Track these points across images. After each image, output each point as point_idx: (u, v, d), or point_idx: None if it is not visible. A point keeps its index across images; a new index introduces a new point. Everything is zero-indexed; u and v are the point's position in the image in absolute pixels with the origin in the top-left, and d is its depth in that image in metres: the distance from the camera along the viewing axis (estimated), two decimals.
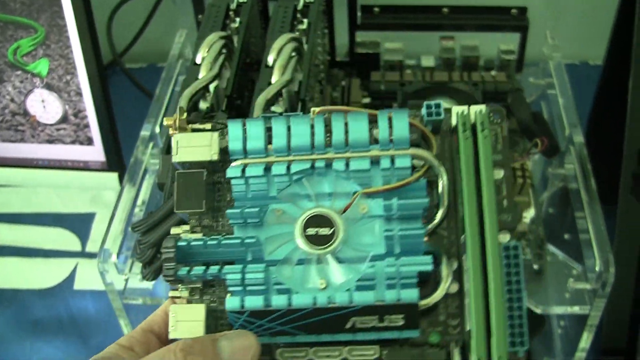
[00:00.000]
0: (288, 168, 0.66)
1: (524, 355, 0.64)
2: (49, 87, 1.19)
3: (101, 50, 1.17)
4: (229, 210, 0.66)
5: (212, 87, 0.88)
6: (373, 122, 0.67)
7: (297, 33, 0.94)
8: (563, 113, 1.03)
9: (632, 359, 1.02)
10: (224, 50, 0.91)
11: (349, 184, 0.66)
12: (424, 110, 0.68)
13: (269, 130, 0.68)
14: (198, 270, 0.65)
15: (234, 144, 0.67)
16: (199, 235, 0.67)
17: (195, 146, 0.68)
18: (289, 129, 0.67)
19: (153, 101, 1.09)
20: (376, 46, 1.18)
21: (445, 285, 0.65)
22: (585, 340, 0.92)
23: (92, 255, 1.25)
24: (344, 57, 1.22)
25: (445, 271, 0.66)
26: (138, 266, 0.86)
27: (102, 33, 1.37)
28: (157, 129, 1.05)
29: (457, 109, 0.68)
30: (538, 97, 1.16)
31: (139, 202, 0.98)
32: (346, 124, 0.67)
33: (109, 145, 1.21)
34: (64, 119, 1.21)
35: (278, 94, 0.85)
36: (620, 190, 0.99)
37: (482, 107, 0.68)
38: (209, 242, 0.65)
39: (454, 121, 0.68)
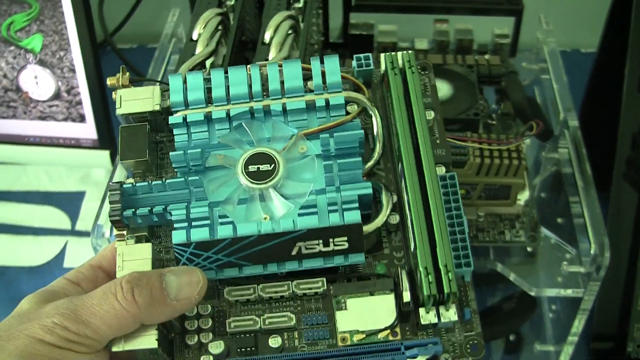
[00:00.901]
0: (228, 113, 0.68)
1: (470, 281, 0.66)
2: (42, 63, 1.18)
3: None
4: (172, 153, 0.67)
5: (208, 63, 0.87)
6: (308, 78, 0.70)
7: (294, 11, 0.94)
8: (557, 97, 1.03)
9: (622, 344, 1.02)
10: (220, 27, 0.91)
11: (287, 127, 0.69)
12: (354, 63, 0.71)
13: (208, 83, 0.69)
14: (143, 210, 0.66)
15: (175, 96, 0.69)
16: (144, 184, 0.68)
17: (138, 99, 0.69)
18: (226, 79, 0.69)
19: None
20: (370, 28, 1.18)
21: (386, 211, 0.67)
22: (578, 325, 0.93)
23: (81, 234, 1.25)
24: (337, 38, 1.22)
25: (385, 200, 0.67)
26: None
27: (94, 12, 1.36)
28: None
29: (384, 55, 0.71)
30: (531, 82, 1.16)
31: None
32: (280, 72, 0.69)
33: (101, 123, 1.21)
34: (56, 96, 1.20)
35: None
36: (613, 176, 1.00)
37: (408, 51, 0.71)
38: (153, 183, 0.66)
39: (383, 66, 0.71)
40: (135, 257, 0.65)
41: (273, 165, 0.66)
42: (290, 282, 0.66)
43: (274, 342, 0.66)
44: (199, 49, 0.87)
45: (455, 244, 0.63)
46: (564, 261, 0.92)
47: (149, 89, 0.70)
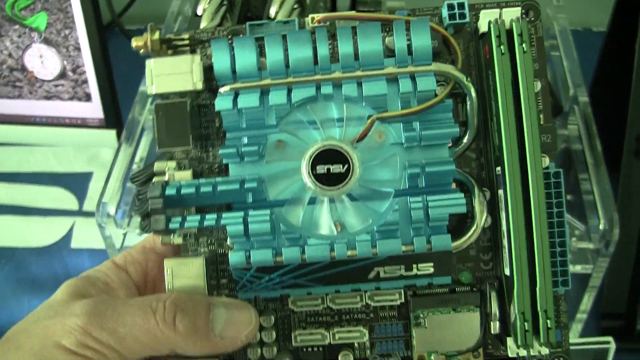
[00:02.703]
0: (289, 94, 0.58)
1: (564, 292, 0.58)
2: (47, 41, 1.18)
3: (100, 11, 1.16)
4: (221, 150, 0.58)
5: None
6: (386, 29, 0.59)
7: None
8: (567, 74, 1.02)
9: (632, 323, 1.01)
10: (225, 2, 0.90)
11: (361, 107, 0.58)
12: (444, 12, 0.59)
13: (260, 47, 0.59)
14: (192, 220, 0.57)
15: (220, 66, 0.58)
16: (188, 173, 0.60)
17: (174, 73, 0.58)
18: (285, 42, 0.58)
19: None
20: (378, 4, 1.17)
21: (481, 223, 0.59)
22: (587, 302, 0.92)
23: (89, 214, 1.25)
24: None
25: (478, 207, 0.59)
26: (136, 222, 0.85)
27: None
28: None
29: (486, 15, 0.58)
30: None
31: (137, 159, 0.97)
32: (354, 35, 0.57)
33: (107, 101, 1.20)
34: (62, 75, 1.20)
35: None
36: (624, 153, 0.99)
37: (517, 13, 0.57)
38: (202, 190, 0.57)
39: (483, 27, 0.58)
40: (186, 273, 0.59)
41: (346, 165, 0.56)
42: (363, 293, 0.60)
43: (345, 357, 0.61)
44: (203, 24, 0.87)
45: (554, 259, 0.55)
46: (573, 237, 0.91)
47: (187, 60, 0.58)
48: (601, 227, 0.84)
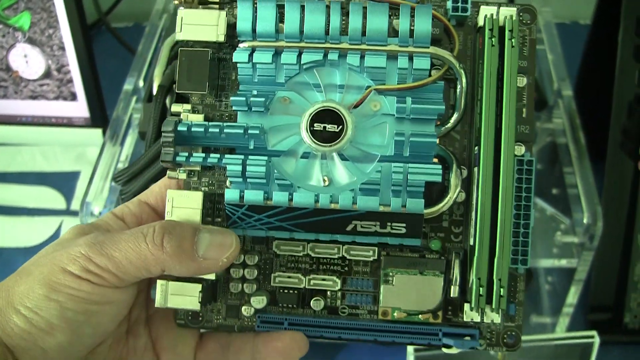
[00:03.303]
0: (299, 57, 0.64)
1: (523, 272, 0.64)
2: (31, 41, 1.17)
3: (86, 10, 1.16)
4: (233, 98, 0.63)
5: None
6: (394, 13, 0.64)
7: None
8: (552, 67, 1.02)
9: (620, 316, 1.01)
10: None
11: (362, 78, 0.64)
12: (449, 4, 0.64)
13: (281, 12, 0.64)
14: (197, 157, 0.63)
15: (243, 24, 0.64)
16: (200, 117, 0.65)
17: (201, 24, 0.64)
18: (302, 11, 0.64)
19: (136, 56, 1.07)
20: None
21: (453, 196, 0.64)
22: (573, 295, 0.92)
23: (77, 214, 1.24)
24: None
25: (454, 181, 0.64)
26: None
27: None
28: (141, 83, 1.03)
29: (486, 11, 0.63)
30: None
31: (123, 157, 0.97)
32: (365, 13, 0.63)
33: (92, 100, 1.20)
34: (47, 74, 1.19)
35: None
36: (609, 144, 0.99)
37: (512, 12, 0.63)
38: (210, 130, 0.63)
39: (480, 21, 0.64)
40: (185, 204, 0.64)
41: (340, 126, 0.62)
42: (340, 246, 0.65)
43: (317, 304, 0.66)
44: None
45: (516, 238, 0.61)
46: (558, 232, 0.91)
47: (214, 14, 0.64)
48: (585, 221, 0.84)
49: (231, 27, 0.65)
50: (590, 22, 1.16)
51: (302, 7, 0.63)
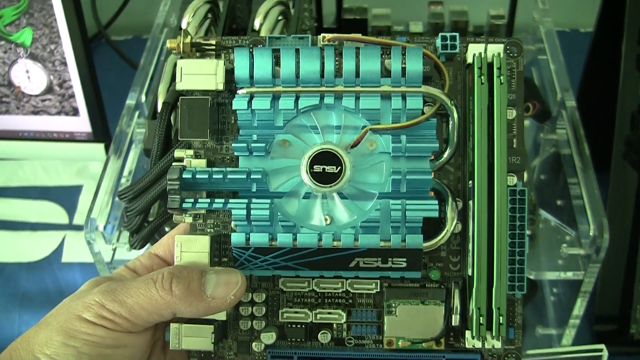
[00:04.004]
0: (296, 101, 0.66)
1: (520, 297, 0.66)
2: (33, 57, 1.17)
3: (86, 23, 1.16)
4: (234, 144, 0.66)
5: None
6: (385, 52, 0.66)
7: None
8: (555, 78, 1.02)
9: (626, 326, 1.01)
10: (209, 15, 0.90)
11: (357, 118, 0.66)
12: (438, 42, 0.67)
13: (276, 56, 0.66)
14: (203, 202, 0.66)
15: (240, 72, 0.66)
16: (203, 162, 0.68)
17: (200, 74, 0.67)
18: (297, 55, 0.66)
19: (138, 70, 1.07)
20: (364, 12, 1.16)
21: (450, 228, 0.66)
22: (579, 307, 0.92)
23: (79, 228, 1.24)
24: (332, 24, 1.20)
25: (450, 214, 0.66)
26: (125, 237, 0.85)
27: (87, 5, 1.35)
28: (143, 98, 1.03)
29: (474, 48, 0.66)
30: (528, 63, 1.15)
31: (126, 172, 0.97)
32: (357, 55, 0.65)
33: (94, 115, 1.20)
34: (48, 90, 1.19)
35: None
36: (613, 155, 0.99)
37: (499, 49, 0.66)
38: (214, 176, 0.66)
39: (469, 59, 0.66)
40: (193, 249, 0.67)
41: (339, 167, 0.64)
42: (344, 281, 0.68)
43: (323, 337, 0.69)
44: None
45: (512, 266, 0.63)
46: (563, 243, 0.91)
47: (212, 63, 0.67)
48: (591, 233, 0.84)
49: (229, 72, 0.67)
50: (591, 29, 1.16)
51: (297, 51, 0.66)
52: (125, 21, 1.52)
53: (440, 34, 0.67)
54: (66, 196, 1.29)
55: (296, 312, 0.69)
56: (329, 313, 0.69)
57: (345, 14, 1.17)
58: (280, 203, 0.66)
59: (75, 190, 1.30)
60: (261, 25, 0.86)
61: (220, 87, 0.66)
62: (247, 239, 0.65)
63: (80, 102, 1.19)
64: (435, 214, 0.64)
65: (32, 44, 1.16)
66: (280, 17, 0.88)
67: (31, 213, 1.27)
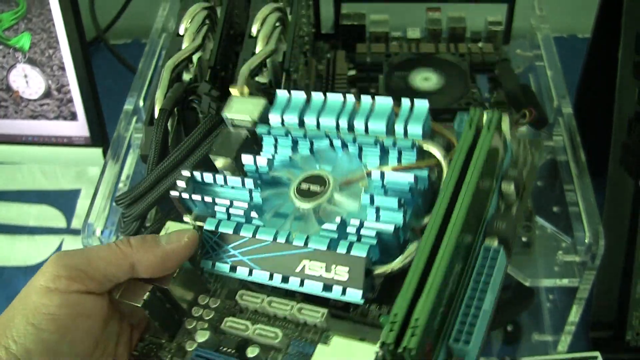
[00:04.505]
0: (311, 143, 0.71)
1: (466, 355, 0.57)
2: (31, 61, 1.18)
3: (84, 27, 1.16)
4: (246, 165, 0.71)
5: (195, 58, 0.86)
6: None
7: (281, 3, 0.93)
8: (551, 84, 1.02)
9: (622, 333, 1.01)
10: (207, 21, 0.90)
11: (357, 161, 0.70)
12: (456, 125, 0.69)
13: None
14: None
15: (275, 112, 0.71)
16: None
17: (245, 106, 0.73)
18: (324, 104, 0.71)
19: (136, 75, 1.07)
20: (362, 18, 1.17)
21: (404, 258, 0.63)
22: (575, 314, 0.92)
23: (77, 232, 1.24)
24: (330, 30, 1.21)
25: (411, 247, 0.63)
26: None
27: (85, 9, 1.36)
28: (141, 103, 1.03)
29: (472, 108, 0.66)
30: (525, 69, 1.15)
31: (123, 177, 0.97)
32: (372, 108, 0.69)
33: (92, 120, 1.20)
34: (47, 94, 1.20)
35: (262, 64, 0.84)
36: (610, 161, 0.99)
37: (499, 111, 0.66)
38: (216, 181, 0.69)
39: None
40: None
41: (322, 187, 0.68)
42: (294, 304, 0.66)
43: (252, 351, 0.65)
44: (185, 44, 0.87)
45: (465, 317, 0.57)
46: (559, 250, 0.91)
47: (257, 101, 0.73)
48: (587, 240, 0.84)
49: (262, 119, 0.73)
50: (588, 35, 1.16)
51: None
52: (124, 25, 1.53)
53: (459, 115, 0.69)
54: (64, 200, 1.29)
55: (238, 323, 0.68)
56: (267, 330, 0.66)
57: (343, 20, 1.17)
58: (265, 214, 0.70)
59: (74, 194, 1.30)
60: (258, 31, 0.86)
61: (255, 117, 0.72)
62: (217, 226, 0.68)
63: (78, 106, 1.19)
64: (390, 230, 0.62)
65: (30, 48, 1.17)
66: (277, 24, 0.88)
67: (29, 217, 1.27)
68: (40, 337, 0.59)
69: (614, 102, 0.99)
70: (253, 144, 0.73)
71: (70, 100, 1.19)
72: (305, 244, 0.65)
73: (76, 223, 1.26)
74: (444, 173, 0.65)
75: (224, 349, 0.67)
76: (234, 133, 0.73)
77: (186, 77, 0.86)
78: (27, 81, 1.19)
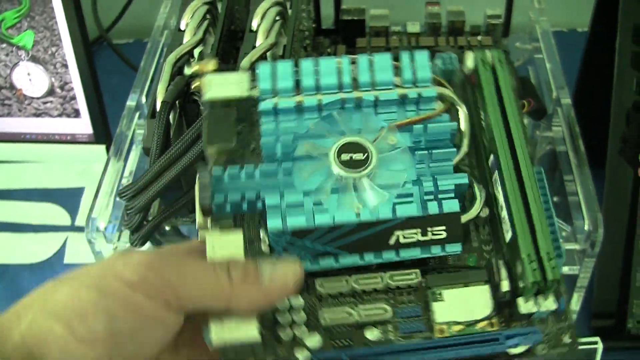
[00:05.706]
0: (319, 102, 0.66)
1: (561, 264, 0.64)
2: (34, 59, 1.18)
3: (87, 26, 1.16)
4: (263, 140, 0.65)
5: (196, 52, 0.87)
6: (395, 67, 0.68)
7: None
8: (550, 76, 1.03)
9: (623, 322, 1.01)
10: (208, 16, 0.91)
11: (377, 119, 0.67)
12: (438, 62, 0.73)
13: (296, 72, 0.67)
14: (234, 196, 0.63)
15: (264, 83, 0.67)
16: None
17: (226, 84, 0.66)
18: (316, 66, 0.67)
19: (139, 72, 1.08)
20: (361, 13, 1.17)
21: (480, 203, 0.68)
22: (575, 303, 0.92)
23: (81, 230, 1.24)
24: (331, 25, 1.21)
25: (478, 192, 0.69)
26: (126, 237, 0.85)
27: (88, 8, 1.36)
28: (143, 99, 1.04)
29: (474, 53, 0.73)
30: (525, 62, 1.15)
31: (126, 173, 0.97)
32: (371, 63, 0.68)
33: (96, 117, 1.21)
34: (50, 92, 1.20)
35: (263, 57, 0.84)
36: (608, 151, 0.99)
37: (499, 49, 0.74)
38: (245, 170, 0.64)
39: (470, 64, 0.73)
40: (227, 248, 0.60)
41: (366, 154, 0.64)
42: (383, 274, 0.66)
43: (371, 334, 0.65)
44: (186, 39, 0.88)
45: (554, 235, 0.64)
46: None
47: (239, 76, 0.67)
48: (586, 227, 0.85)
49: (250, 100, 0.67)
50: (587, 29, 1.17)
51: (316, 61, 0.67)
52: (126, 25, 1.53)
53: (438, 54, 0.73)
54: (68, 198, 1.30)
55: (339, 313, 0.65)
56: (374, 308, 0.65)
57: (343, 15, 1.17)
58: (312, 197, 0.64)
59: (78, 192, 1.30)
60: (258, 25, 0.87)
61: (246, 93, 0.66)
62: (284, 223, 0.62)
63: (81, 104, 1.20)
64: (466, 180, 0.65)
65: (33, 46, 1.18)
66: (277, 18, 0.89)
67: (34, 215, 1.28)
68: (112, 325, 0.52)
69: (612, 93, 1.00)
70: (244, 123, 0.70)
71: (74, 98, 1.19)
72: (393, 213, 0.63)
73: (80, 220, 1.26)
74: (461, 113, 0.70)
75: (339, 342, 0.65)
76: (219, 115, 0.66)
77: (187, 71, 0.87)
78: (31, 79, 1.20)
